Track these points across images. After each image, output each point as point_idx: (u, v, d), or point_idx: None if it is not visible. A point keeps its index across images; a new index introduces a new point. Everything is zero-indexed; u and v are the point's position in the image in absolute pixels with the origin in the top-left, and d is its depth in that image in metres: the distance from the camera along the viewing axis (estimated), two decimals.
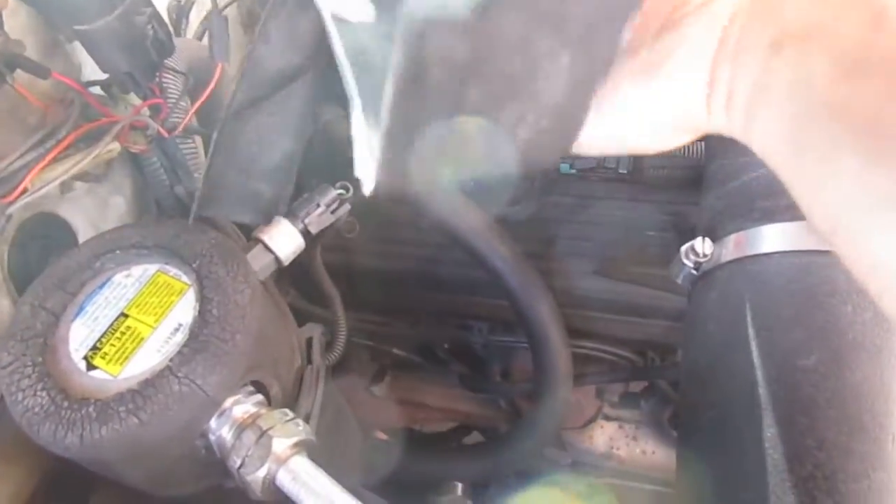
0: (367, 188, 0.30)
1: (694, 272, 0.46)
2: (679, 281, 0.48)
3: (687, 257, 0.46)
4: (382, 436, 0.98)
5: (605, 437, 1.00)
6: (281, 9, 0.45)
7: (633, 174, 0.72)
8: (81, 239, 0.60)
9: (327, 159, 0.88)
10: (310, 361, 0.56)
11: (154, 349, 0.46)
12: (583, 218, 0.80)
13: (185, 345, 0.45)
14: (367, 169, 0.30)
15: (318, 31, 0.46)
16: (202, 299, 0.46)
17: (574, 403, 0.91)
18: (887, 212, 0.24)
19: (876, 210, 0.24)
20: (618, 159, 0.71)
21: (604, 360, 0.86)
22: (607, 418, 1.00)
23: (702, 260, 0.46)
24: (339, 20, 0.29)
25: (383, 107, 0.26)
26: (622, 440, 1.00)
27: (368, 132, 0.30)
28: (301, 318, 0.94)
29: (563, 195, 0.78)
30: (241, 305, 0.46)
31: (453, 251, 0.80)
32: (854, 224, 0.25)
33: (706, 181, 0.52)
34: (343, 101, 0.31)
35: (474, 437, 1.16)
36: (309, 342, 0.56)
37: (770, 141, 0.27)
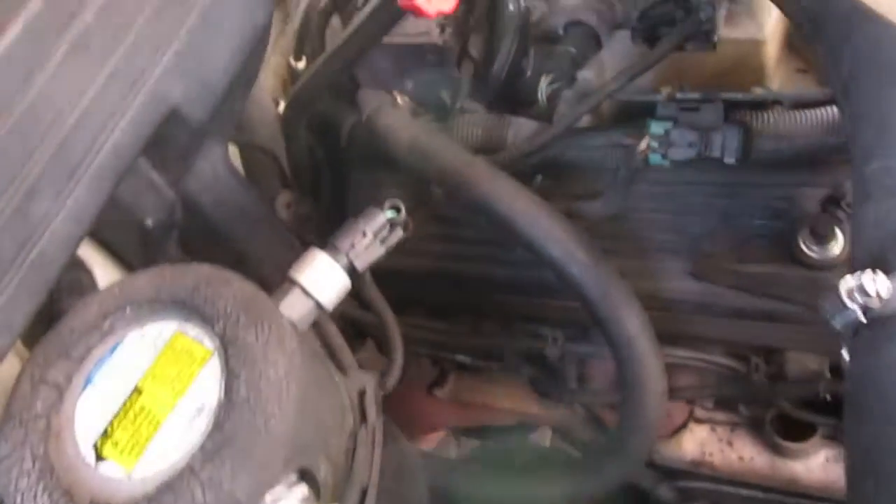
0: None
1: (861, 318, 0.34)
2: (836, 326, 0.36)
3: (852, 297, 0.34)
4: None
5: (694, 441, 0.89)
6: None
7: (741, 163, 0.60)
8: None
9: (367, 152, 0.79)
10: (364, 419, 0.47)
11: (173, 436, 0.37)
12: (674, 207, 0.68)
13: (208, 435, 0.36)
14: None
15: None
16: (228, 373, 0.37)
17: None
18: None
19: None
20: (722, 146, 0.59)
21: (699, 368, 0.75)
22: (698, 421, 0.89)
23: (875, 303, 0.33)
24: None
25: None
26: (715, 445, 0.89)
27: None
28: (355, 331, 0.86)
29: (651, 184, 0.66)
30: (276, 381, 0.37)
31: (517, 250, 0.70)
32: None
33: (861, 187, 0.40)
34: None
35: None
36: (362, 396, 0.47)
37: None
